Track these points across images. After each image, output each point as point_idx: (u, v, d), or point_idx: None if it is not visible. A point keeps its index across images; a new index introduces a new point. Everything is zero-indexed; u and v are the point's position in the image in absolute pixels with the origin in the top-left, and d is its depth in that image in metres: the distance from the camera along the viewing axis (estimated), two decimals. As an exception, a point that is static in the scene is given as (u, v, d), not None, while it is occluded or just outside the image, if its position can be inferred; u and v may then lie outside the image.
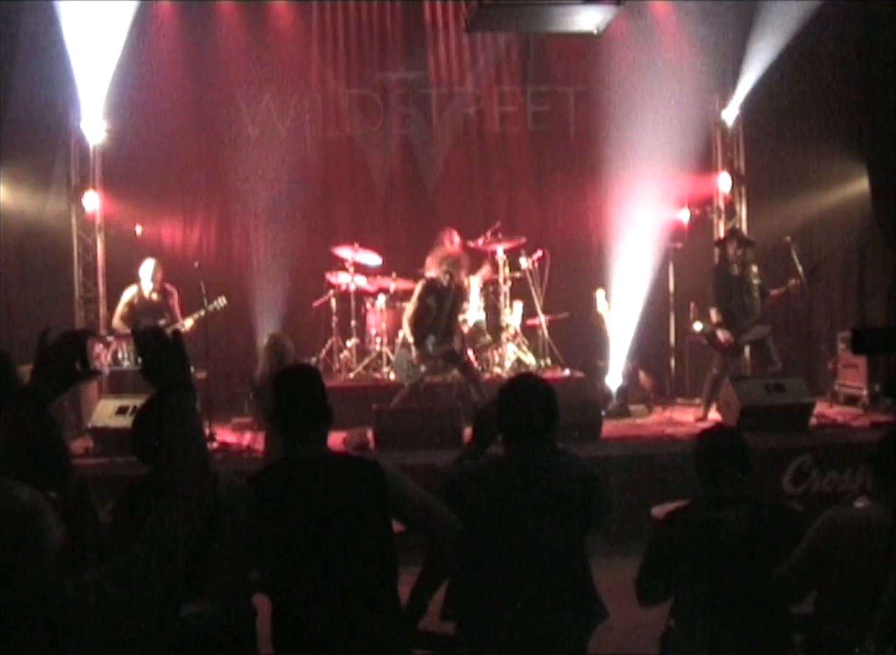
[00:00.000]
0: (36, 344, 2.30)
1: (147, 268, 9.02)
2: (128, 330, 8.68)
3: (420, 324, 8.77)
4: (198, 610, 3.07)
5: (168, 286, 9.10)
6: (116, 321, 9.07)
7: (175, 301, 9.06)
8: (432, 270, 8.82)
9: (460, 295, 8.99)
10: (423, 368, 8.77)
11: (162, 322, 8.68)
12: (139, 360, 2.18)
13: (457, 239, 9.74)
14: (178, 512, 2.00)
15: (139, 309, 8.99)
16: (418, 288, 8.88)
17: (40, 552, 1.79)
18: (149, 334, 2.20)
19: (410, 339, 8.79)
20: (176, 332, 2.23)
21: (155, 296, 9.03)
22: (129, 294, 9.07)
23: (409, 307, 8.90)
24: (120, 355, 8.48)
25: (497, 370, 9.77)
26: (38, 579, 1.79)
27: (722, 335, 8.87)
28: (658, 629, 3.71)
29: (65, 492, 2.43)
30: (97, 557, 2.34)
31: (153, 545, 1.94)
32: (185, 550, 1.99)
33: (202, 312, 8.60)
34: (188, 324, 8.70)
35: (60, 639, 1.78)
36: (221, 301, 8.68)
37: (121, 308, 9.07)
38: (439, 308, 8.76)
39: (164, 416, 2.11)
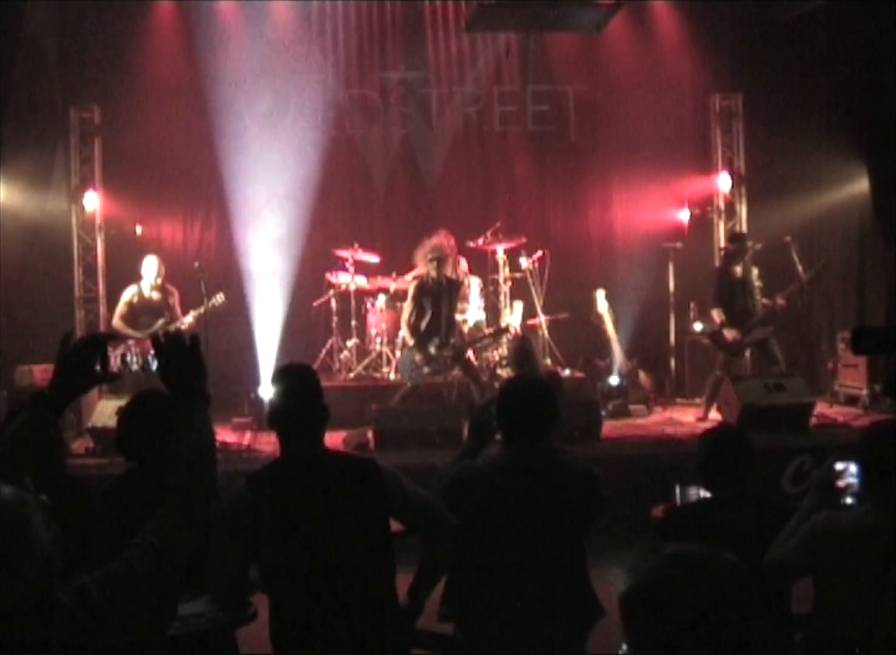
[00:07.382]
0: (57, 347, 2.25)
1: (150, 265, 8.98)
2: (129, 330, 8.77)
3: (418, 326, 8.77)
4: (197, 610, 3.07)
5: (168, 286, 9.10)
6: (116, 320, 9.03)
7: (176, 300, 9.06)
8: (420, 266, 8.83)
9: (454, 291, 8.96)
10: (426, 370, 8.76)
11: (161, 321, 8.77)
12: (155, 365, 2.17)
13: (450, 240, 9.64)
14: (181, 520, 1.98)
15: (139, 308, 8.99)
16: (411, 289, 8.88)
17: (26, 554, 1.73)
18: (166, 339, 2.19)
19: (410, 342, 8.77)
20: (194, 338, 2.21)
21: (155, 296, 8.99)
22: (128, 293, 9.04)
23: (405, 309, 8.89)
24: (129, 358, 8.48)
25: (497, 370, 9.75)
26: (25, 582, 1.72)
27: (729, 334, 8.85)
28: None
29: (59, 495, 2.40)
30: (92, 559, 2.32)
31: (150, 551, 1.90)
32: (183, 557, 1.96)
33: (202, 309, 8.76)
34: (188, 320, 8.80)
35: (50, 645, 1.74)
36: (220, 297, 8.88)
37: (120, 307, 9.04)
38: (435, 307, 8.74)
39: (176, 422, 2.10)
